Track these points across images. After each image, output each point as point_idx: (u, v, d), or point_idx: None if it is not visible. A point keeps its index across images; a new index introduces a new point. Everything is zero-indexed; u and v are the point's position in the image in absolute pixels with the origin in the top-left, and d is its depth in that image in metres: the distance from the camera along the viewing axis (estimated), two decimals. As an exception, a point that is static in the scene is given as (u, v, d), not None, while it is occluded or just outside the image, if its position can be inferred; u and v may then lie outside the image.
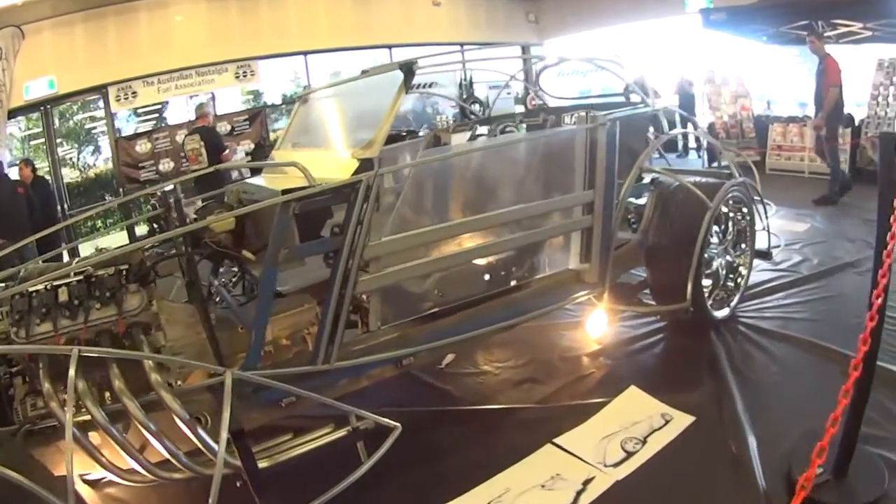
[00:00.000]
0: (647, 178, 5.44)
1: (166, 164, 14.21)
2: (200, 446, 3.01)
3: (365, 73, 4.87)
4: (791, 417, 3.89)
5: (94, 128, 14.61)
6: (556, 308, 4.72)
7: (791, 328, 5.27)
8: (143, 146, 14.08)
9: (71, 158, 14.53)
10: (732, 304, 5.58)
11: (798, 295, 6.00)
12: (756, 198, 5.75)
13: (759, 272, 6.39)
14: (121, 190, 13.74)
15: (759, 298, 5.95)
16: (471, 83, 17.18)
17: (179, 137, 13.53)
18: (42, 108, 13.66)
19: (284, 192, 3.29)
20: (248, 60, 14.74)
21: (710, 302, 5.40)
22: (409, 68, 3.85)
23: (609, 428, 4.09)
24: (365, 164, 3.53)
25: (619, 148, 4.64)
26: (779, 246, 6.97)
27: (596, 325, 5.39)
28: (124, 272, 3.31)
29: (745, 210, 5.61)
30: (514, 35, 18.38)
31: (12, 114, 13.14)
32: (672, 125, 7.87)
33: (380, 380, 3.89)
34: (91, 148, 14.85)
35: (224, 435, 2.78)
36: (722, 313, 5.47)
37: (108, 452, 3.06)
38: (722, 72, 12.88)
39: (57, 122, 14.19)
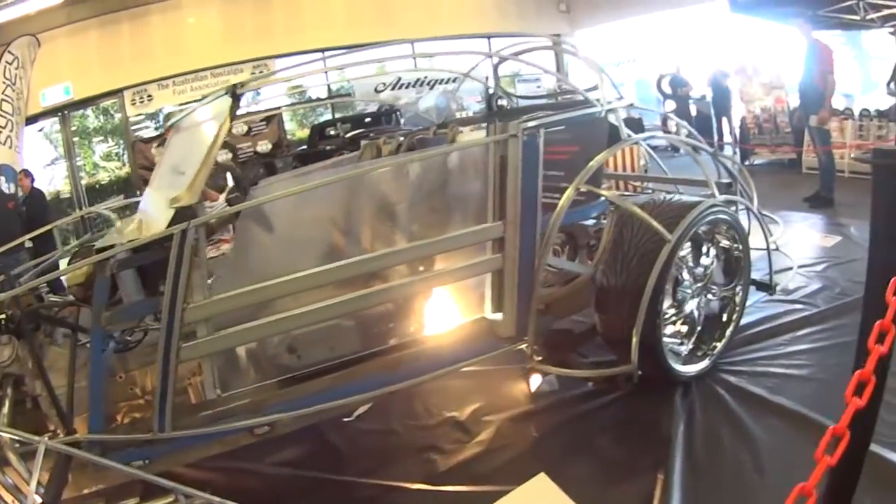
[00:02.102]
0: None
1: None
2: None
3: (202, 99, 4.13)
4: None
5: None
6: (459, 367, 3.64)
7: (786, 392, 3.79)
8: (158, 148, 13.22)
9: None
10: (714, 354, 4.15)
11: (807, 339, 4.47)
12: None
13: (762, 306, 4.95)
14: (138, 192, 12.96)
15: (755, 343, 4.47)
16: (497, 78, 15.79)
17: None
18: (59, 113, 13.68)
19: (98, 250, 3.00)
20: (264, 60, 13.84)
21: (683, 353, 4.06)
22: (234, 93, 3.28)
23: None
24: (184, 213, 2.93)
25: (572, 161, 3.88)
26: (791, 269, 5.54)
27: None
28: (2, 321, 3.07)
29: (734, 234, 4.19)
30: (544, 26, 17.14)
31: (30, 120, 13.15)
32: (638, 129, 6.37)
33: (238, 445, 3.30)
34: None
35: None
36: (696, 368, 4.05)
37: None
38: (754, 62, 11.16)
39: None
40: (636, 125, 9.60)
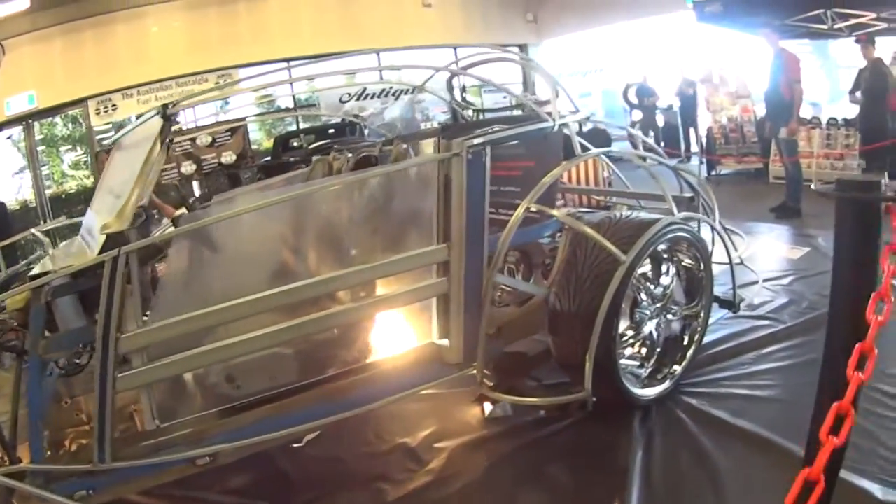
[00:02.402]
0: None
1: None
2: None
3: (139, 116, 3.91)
4: None
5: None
6: (406, 395, 3.43)
7: (750, 414, 3.60)
8: None
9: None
10: (675, 376, 3.95)
11: (772, 357, 4.28)
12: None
13: (726, 323, 4.76)
14: None
15: (719, 363, 4.27)
16: (464, 88, 15.68)
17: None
18: (24, 122, 13.40)
19: (31, 277, 3.02)
20: (229, 69, 13.52)
21: (642, 376, 3.87)
22: (164, 114, 3.11)
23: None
24: (115, 239, 2.78)
25: (526, 177, 3.74)
26: (756, 283, 5.33)
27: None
28: None
29: (695, 252, 3.99)
30: (511, 36, 17.00)
31: None
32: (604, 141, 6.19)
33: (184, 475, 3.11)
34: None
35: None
36: (655, 391, 3.85)
37: None
38: (720, 71, 11.04)
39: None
40: (602, 136, 9.47)
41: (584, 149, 4.24)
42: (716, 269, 4.21)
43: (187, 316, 2.88)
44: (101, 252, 2.80)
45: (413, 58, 14.21)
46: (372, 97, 14.80)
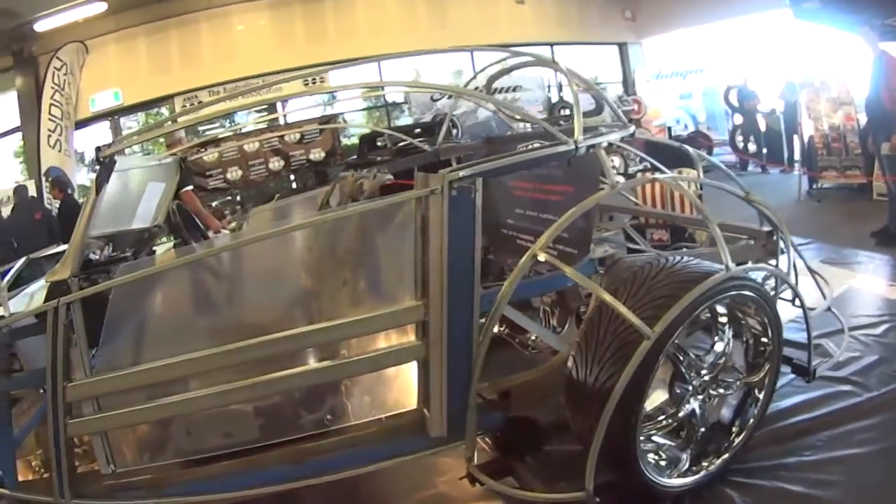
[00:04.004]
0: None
1: (234, 173, 13.40)
2: None
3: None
4: None
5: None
6: (381, 466, 2.94)
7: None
8: (210, 155, 13.06)
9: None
10: (718, 465, 3.11)
11: (849, 440, 3.32)
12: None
13: (799, 387, 3.77)
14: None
15: (778, 444, 3.38)
16: (560, 86, 14.83)
17: (248, 147, 13.11)
18: (110, 118, 13.55)
19: None
20: (317, 67, 13.25)
21: (680, 462, 3.07)
22: (97, 157, 3.01)
23: None
24: (58, 288, 2.73)
25: (565, 204, 3.08)
26: (842, 331, 4.27)
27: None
28: None
29: (760, 313, 3.13)
30: (609, 34, 16.09)
31: (80, 124, 13.16)
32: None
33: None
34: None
35: None
36: (690, 480, 3.04)
37: None
38: (821, 74, 9.70)
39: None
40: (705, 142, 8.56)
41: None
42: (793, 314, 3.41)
43: (126, 372, 2.71)
44: (46, 300, 2.74)
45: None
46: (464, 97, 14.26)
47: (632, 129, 3.67)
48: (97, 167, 3.02)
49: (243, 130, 13.92)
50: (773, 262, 3.80)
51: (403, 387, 3.01)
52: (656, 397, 3.16)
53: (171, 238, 7.03)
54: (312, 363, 2.88)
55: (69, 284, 2.73)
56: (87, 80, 12.84)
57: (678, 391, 3.09)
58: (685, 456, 3.09)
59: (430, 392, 2.79)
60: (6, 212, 10.90)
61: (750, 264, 3.09)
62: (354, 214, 3.27)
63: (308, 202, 5.61)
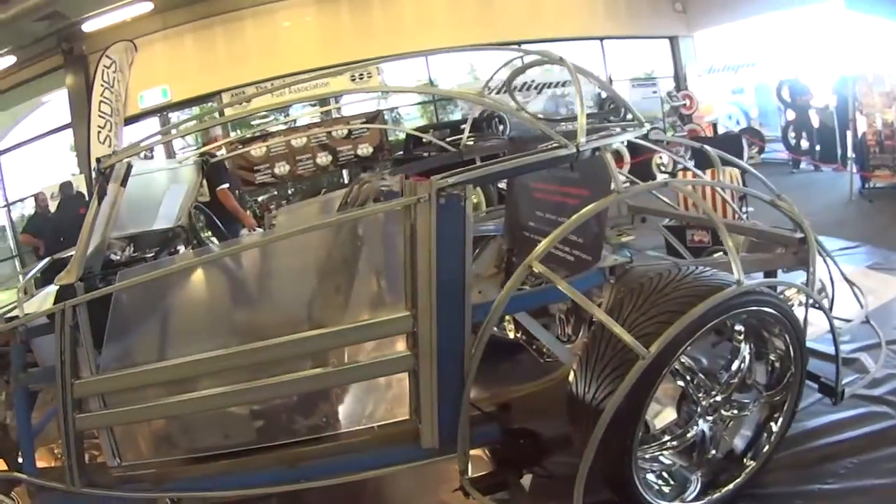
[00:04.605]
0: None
1: (282, 168, 13.54)
2: None
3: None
4: None
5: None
6: (377, 475, 3.01)
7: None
8: (258, 150, 13.22)
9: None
10: (730, 488, 2.89)
11: (879, 468, 3.03)
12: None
13: (828, 405, 3.43)
14: (237, 192, 13.15)
15: (801, 468, 3.13)
16: (610, 81, 14.50)
17: (295, 142, 13.27)
18: (159, 114, 13.81)
19: (7, 318, 3.27)
20: (364, 62, 13.30)
21: (690, 486, 2.86)
22: (99, 169, 3.14)
23: None
24: (65, 291, 2.79)
25: (581, 208, 2.81)
26: (879, 345, 3.89)
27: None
28: None
29: (780, 329, 2.90)
30: (659, 27, 15.66)
31: (129, 121, 13.43)
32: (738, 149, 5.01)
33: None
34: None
35: None
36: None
37: None
38: (875, 68, 9.17)
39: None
40: (735, 143, 8.24)
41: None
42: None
43: (126, 372, 2.85)
44: (55, 302, 2.81)
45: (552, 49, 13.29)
46: (497, 92, 14.13)
47: (645, 129, 3.45)
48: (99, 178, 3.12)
49: (290, 125, 13.98)
50: (811, 269, 3.52)
51: (397, 397, 2.94)
52: (665, 415, 2.96)
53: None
54: (303, 371, 2.82)
55: (75, 288, 2.79)
56: (136, 77, 13.12)
57: (686, 411, 2.87)
58: (695, 478, 2.89)
59: (422, 403, 2.69)
60: (54, 206, 11.14)
61: (764, 278, 2.81)
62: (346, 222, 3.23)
63: (334, 202, 5.58)
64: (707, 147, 4.15)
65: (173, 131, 12.05)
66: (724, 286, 2.58)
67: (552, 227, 3.51)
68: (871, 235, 6.87)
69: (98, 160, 3.15)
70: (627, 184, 3.42)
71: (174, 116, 13.88)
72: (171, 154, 13.27)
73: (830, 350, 3.83)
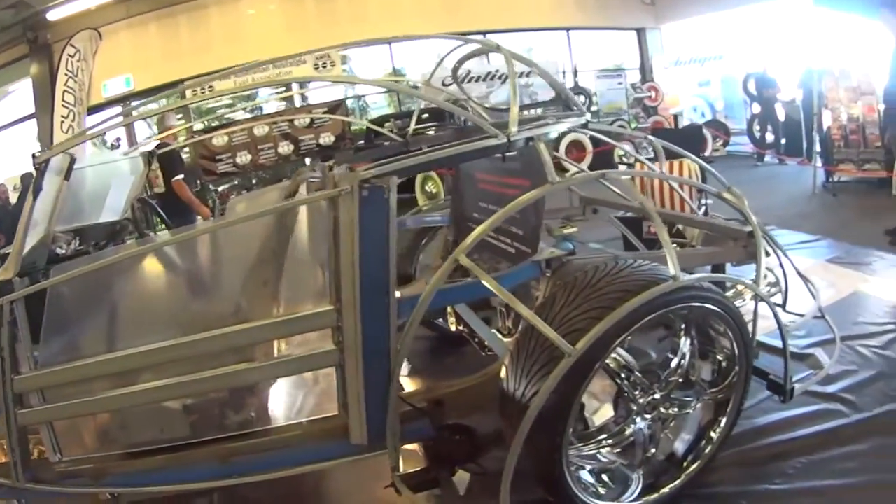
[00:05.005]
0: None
1: (243, 157, 13.35)
2: None
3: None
4: None
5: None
6: (308, 470, 2.84)
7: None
8: (219, 140, 13.05)
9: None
10: (668, 489, 2.79)
11: (830, 469, 2.94)
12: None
13: (774, 404, 3.33)
14: (198, 182, 12.95)
15: (747, 466, 3.01)
16: (575, 72, 14.43)
17: (257, 131, 13.12)
18: (122, 104, 13.63)
19: None
20: (328, 49, 13.12)
21: (630, 484, 2.75)
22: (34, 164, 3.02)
23: None
24: (3, 287, 2.66)
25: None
26: (833, 340, 3.70)
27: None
28: None
29: (722, 324, 2.79)
30: (628, 18, 15.75)
31: (92, 110, 13.24)
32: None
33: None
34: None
35: None
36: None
37: None
38: (841, 62, 9.11)
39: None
40: (697, 135, 8.19)
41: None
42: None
43: (62, 367, 2.74)
44: None
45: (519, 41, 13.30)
46: (477, 80, 13.91)
47: (584, 118, 3.30)
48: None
49: (256, 113, 13.82)
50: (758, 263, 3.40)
51: (326, 392, 2.84)
52: (605, 412, 2.83)
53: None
54: (230, 366, 2.70)
55: (13, 284, 2.70)
56: (100, 66, 12.96)
57: (624, 409, 2.75)
58: (636, 477, 2.77)
59: (349, 399, 2.60)
60: (15, 199, 10.95)
61: (702, 273, 2.67)
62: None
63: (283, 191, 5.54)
64: (651, 137, 4.02)
65: (120, 118, 11.84)
66: (659, 281, 2.45)
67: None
68: (833, 229, 6.83)
69: (33, 155, 3.05)
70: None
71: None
72: (135, 143, 13.12)
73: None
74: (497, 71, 14.21)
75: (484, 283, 2.53)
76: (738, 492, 2.86)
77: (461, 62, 4.18)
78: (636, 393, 2.74)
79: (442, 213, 4.57)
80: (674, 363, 2.84)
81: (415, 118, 5.14)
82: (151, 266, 3.43)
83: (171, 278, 3.50)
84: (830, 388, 3.55)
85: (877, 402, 3.38)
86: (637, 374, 2.73)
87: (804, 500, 2.76)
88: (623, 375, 2.71)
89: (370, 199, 2.40)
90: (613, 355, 2.59)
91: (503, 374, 2.62)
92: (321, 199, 2.57)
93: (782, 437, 3.20)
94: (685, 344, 2.83)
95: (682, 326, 2.81)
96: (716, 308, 2.65)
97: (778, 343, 3.53)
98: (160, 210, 6.78)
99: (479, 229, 2.58)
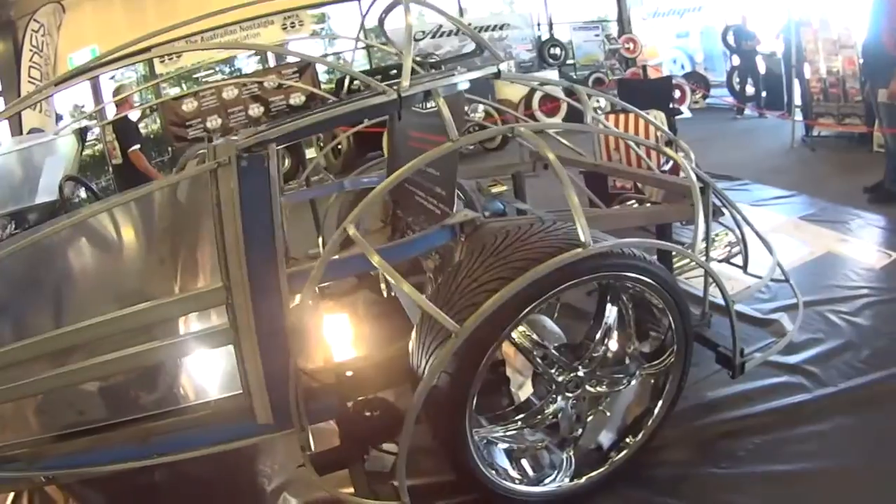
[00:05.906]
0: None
1: (213, 122, 12.99)
2: None
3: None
4: None
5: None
6: (220, 450, 2.60)
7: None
8: (189, 105, 12.77)
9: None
10: (610, 467, 2.59)
11: (789, 452, 2.66)
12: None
13: (727, 378, 2.93)
14: (170, 149, 12.99)
15: (691, 450, 2.76)
16: (550, 24, 14.05)
17: (226, 94, 12.89)
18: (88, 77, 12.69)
19: None
20: (296, 10, 12.90)
21: (557, 466, 2.56)
22: None
23: None
24: None
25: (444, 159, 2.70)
26: (796, 306, 3.38)
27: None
28: None
29: (650, 293, 2.51)
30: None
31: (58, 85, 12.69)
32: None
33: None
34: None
35: None
36: (560, 487, 2.52)
37: None
38: (821, 13, 8.66)
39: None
40: (666, 88, 7.84)
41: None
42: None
43: None
44: None
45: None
46: (448, 35, 13.77)
47: (496, 68, 2.95)
48: None
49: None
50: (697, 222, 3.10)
51: (231, 371, 2.64)
52: (528, 389, 2.57)
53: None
54: (130, 346, 2.54)
55: None
56: (65, 39, 12.76)
57: (541, 387, 2.51)
58: (564, 459, 2.58)
59: (248, 377, 2.46)
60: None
61: (617, 240, 2.35)
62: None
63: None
64: (577, 86, 3.68)
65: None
66: (569, 248, 2.14)
67: (423, 177, 3.18)
68: (808, 184, 6.56)
69: None
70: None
71: (104, 78, 13.29)
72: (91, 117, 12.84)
73: (749, 312, 3.43)
74: (469, 24, 13.86)
75: (368, 258, 2.26)
76: (678, 475, 2.62)
77: (385, 14, 3.86)
78: (552, 371, 2.46)
79: (380, 175, 4.37)
80: (597, 336, 2.56)
81: (347, 82, 4.91)
82: (62, 250, 3.34)
83: (79, 261, 3.44)
84: (792, 359, 3.26)
85: (842, 376, 3.10)
86: (552, 350, 2.45)
87: (752, 488, 2.50)
88: (535, 353, 2.43)
89: (249, 170, 2.20)
90: (523, 329, 2.31)
91: (410, 348, 2.44)
92: (201, 173, 2.35)
93: (734, 414, 2.93)
94: (610, 316, 2.55)
95: (608, 297, 2.53)
96: (641, 276, 2.39)
97: (746, 310, 3.25)
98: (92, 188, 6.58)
99: (370, 196, 2.37)
